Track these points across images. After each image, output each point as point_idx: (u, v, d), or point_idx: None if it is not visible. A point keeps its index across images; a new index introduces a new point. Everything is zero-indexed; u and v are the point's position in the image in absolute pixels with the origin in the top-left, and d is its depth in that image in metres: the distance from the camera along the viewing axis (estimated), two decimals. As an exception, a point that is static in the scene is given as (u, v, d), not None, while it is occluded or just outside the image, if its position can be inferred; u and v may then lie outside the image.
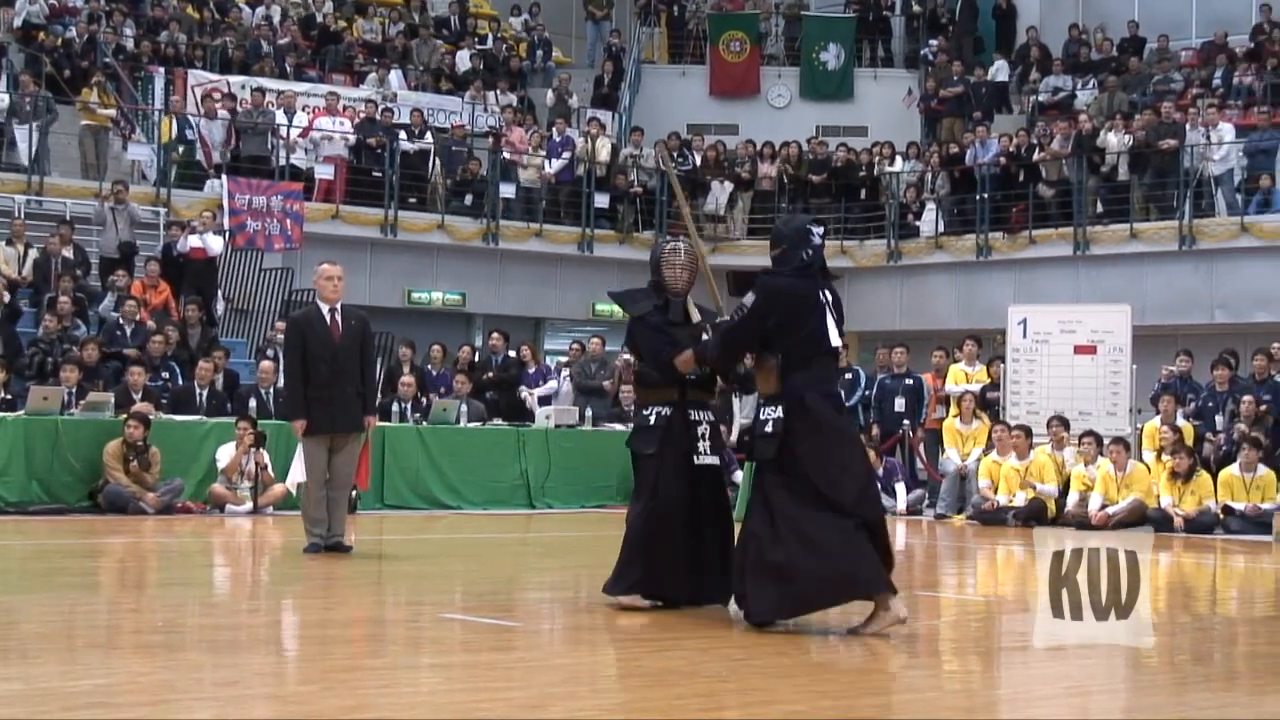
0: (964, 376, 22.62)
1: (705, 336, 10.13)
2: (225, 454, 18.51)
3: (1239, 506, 19.24)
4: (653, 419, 10.12)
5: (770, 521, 9.16)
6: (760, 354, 9.50)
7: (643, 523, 10.01)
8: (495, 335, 24.71)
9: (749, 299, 9.37)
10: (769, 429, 9.25)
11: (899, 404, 22.72)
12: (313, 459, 13.77)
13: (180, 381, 20.60)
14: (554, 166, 29.97)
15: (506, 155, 29.72)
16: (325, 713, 6.59)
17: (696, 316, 10.41)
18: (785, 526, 9.07)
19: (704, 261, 10.64)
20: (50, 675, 7.25)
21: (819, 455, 9.13)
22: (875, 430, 22.43)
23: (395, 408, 21.40)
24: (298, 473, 13.87)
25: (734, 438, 20.51)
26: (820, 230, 9.60)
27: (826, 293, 9.52)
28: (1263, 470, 19.34)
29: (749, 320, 9.39)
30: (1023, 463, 20.30)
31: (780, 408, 9.25)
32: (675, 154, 29.85)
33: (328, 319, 13.81)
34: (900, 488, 21.68)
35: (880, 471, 21.22)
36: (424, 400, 22.08)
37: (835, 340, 9.44)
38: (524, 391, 23.58)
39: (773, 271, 9.51)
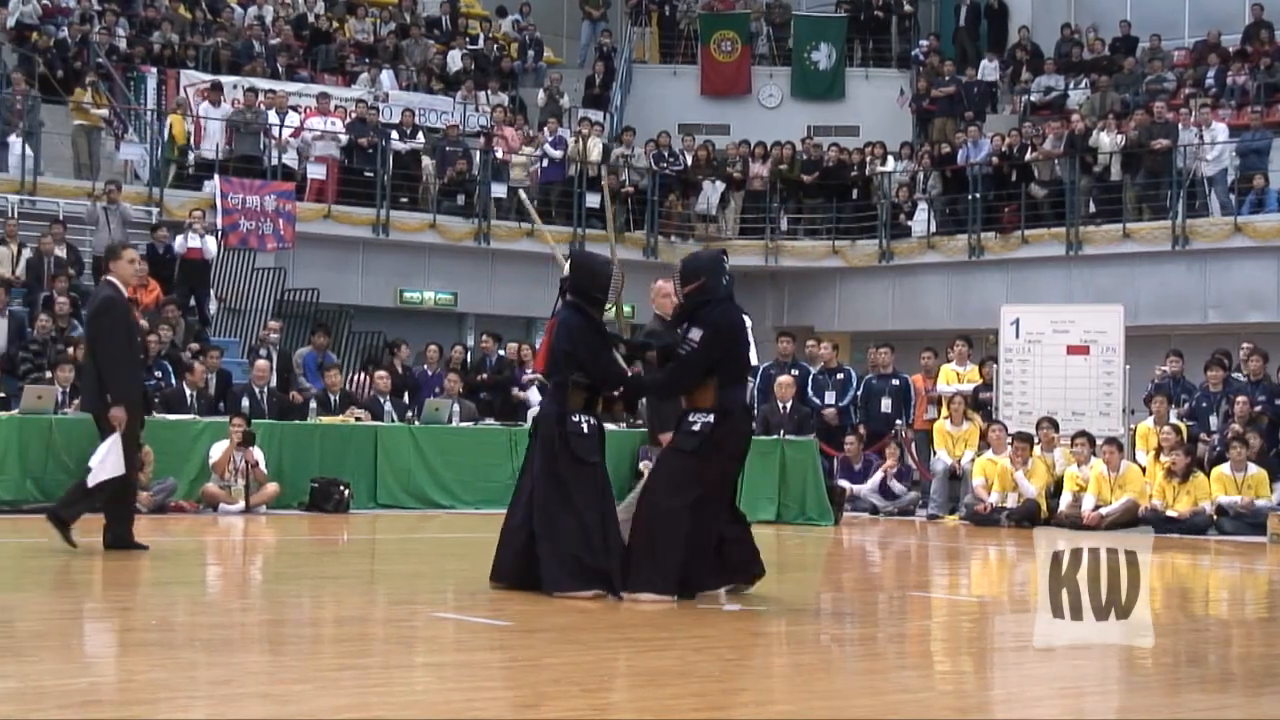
0: (955, 377, 22.63)
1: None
2: (217, 450, 18.51)
3: (1232, 500, 19.21)
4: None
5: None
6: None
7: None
8: (486, 336, 24.71)
9: (695, 334, 10.32)
10: (695, 428, 10.34)
11: (885, 404, 22.74)
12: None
13: (172, 381, 20.60)
14: (544, 165, 30.07)
15: (499, 154, 29.71)
16: (319, 712, 6.59)
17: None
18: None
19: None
20: (45, 674, 7.25)
21: (705, 462, 10.31)
22: (863, 430, 22.48)
23: (386, 406, 21.43)
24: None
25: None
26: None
27: (745, 316, 10.89)
28: (1254, 469, 19.36)
29: (701, 356, 10.35)
30: (1015, 465, 20.32)
31: (712, 416, 10.32)
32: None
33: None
34: (900, 486, 21.73)
35: (857, 467, 21.38)
36: (404, 398, 22.06)
37: (754, 361, 11.14)
38: (518, 391, 23.58)
39: (710, 304, 10.43)
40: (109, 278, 13.46)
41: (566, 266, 11.16)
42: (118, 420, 13.00)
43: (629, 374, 10.96)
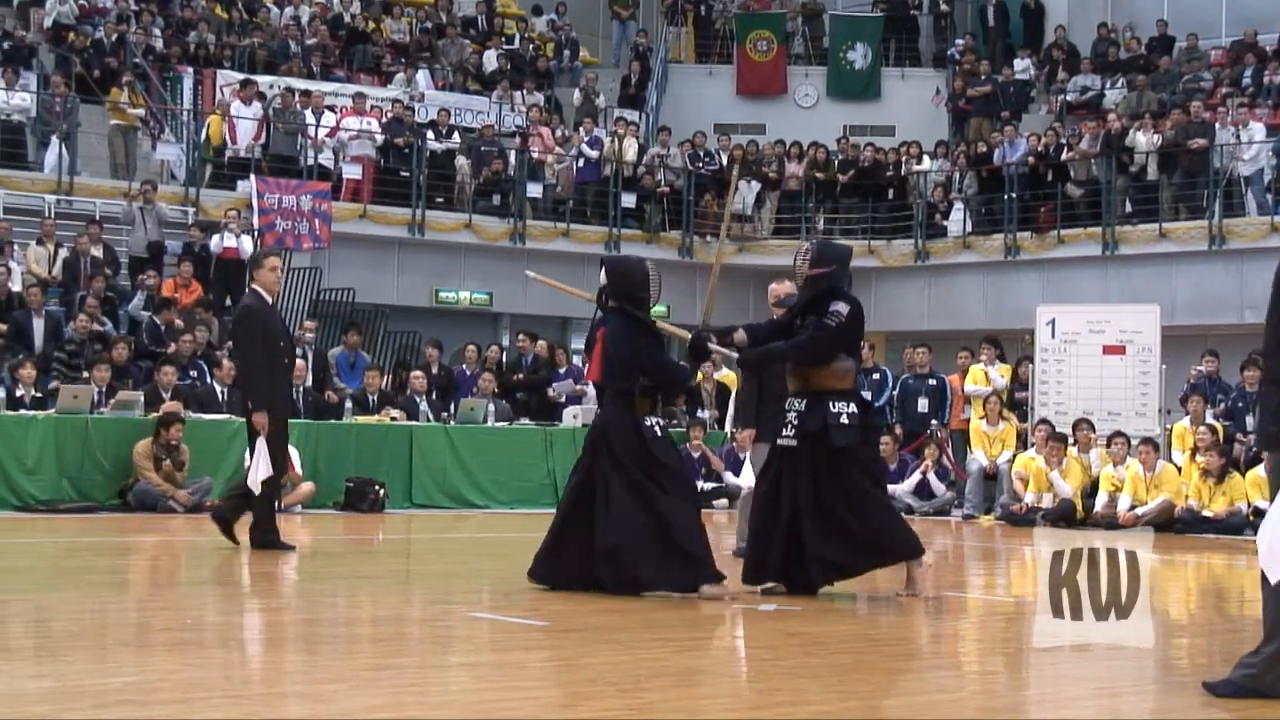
0: (984, 377, 22.56)
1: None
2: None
3: (1266, 506, 19.11)
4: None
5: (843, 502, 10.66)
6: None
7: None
8: (523, 336, 24.73)
9: (840, 307, 10.64)
10: (845, 420, 10.61)
11: (922, 404, 22.71)
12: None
13: (209, 381, 20.66)
14: (579, 165, 30.10)
15: (535, 153, 29.74)
16: (354, 711, 6.60)
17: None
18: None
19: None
20: (81, 673, 7.28)
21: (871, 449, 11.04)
22: (899, 430, 22.44)
23: (422, 406, 21.48)
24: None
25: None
26: None
27: None
28: (1292, 470, 19.22)
29: (846, 329, 10.73)
30: (1050, 465, 20.27)
31: (852, 404, 10.68)
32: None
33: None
34: (939, 486, 21.66)
35: (893, 467, 21.29)
36: (441, 398, 22.10)
37: None
38: (552, 392, 23.59)
39: (843, 292, 10.86)
40: (254, 286, 13.83)
41: (601, 275, 11.17)
42: (260, 425, 13.38)
43: (688, 371, 11.13)
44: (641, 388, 10.79)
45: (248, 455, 13.75)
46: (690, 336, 11.01)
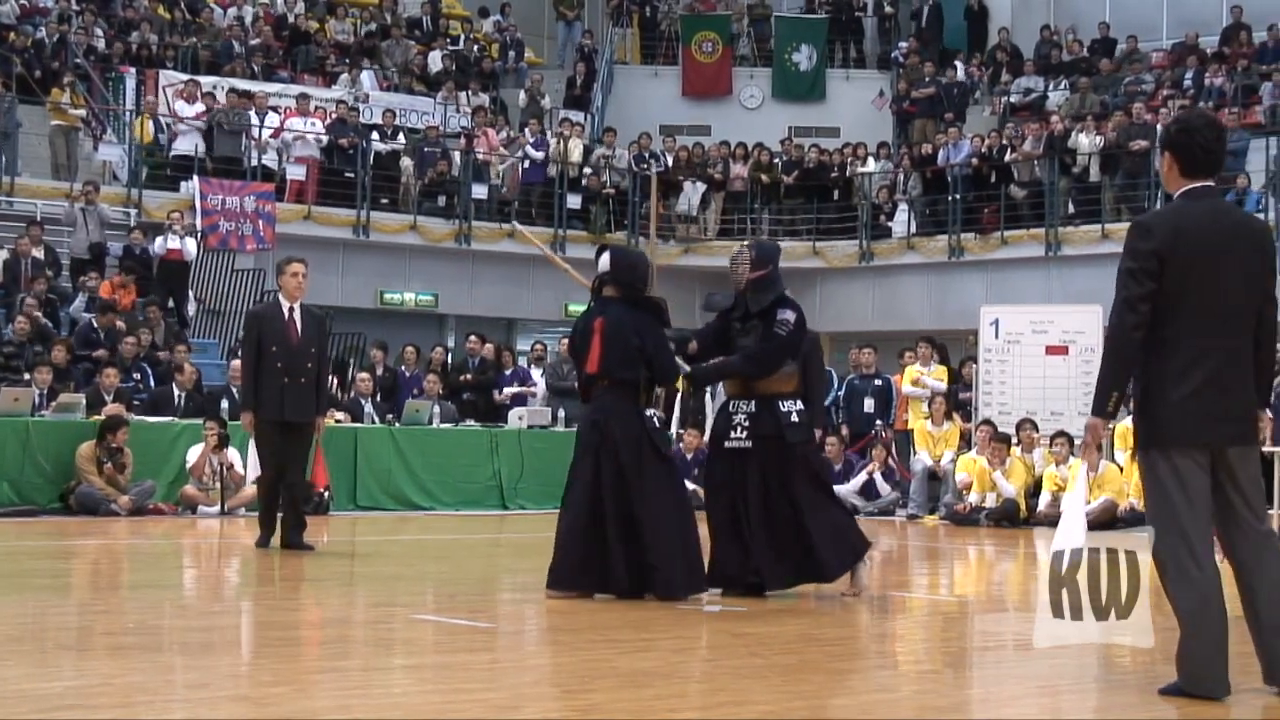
0: (919, 378, 22.64)
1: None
2: (194, 453, 18.50)
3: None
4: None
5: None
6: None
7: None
8: (472, 337, 24.68)
9: (788, 315, 10.77)
10: (796, 419, 10.72)
11: (868, 405, 22.78)
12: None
13: (152, 383, 20.55)
14: (525, 166, 30.12)
15: (480, 154, 29.69)
16: (298, 714, 6.57)
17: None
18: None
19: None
20: (21, 677, 7.22)
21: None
22: (845, 430, 22.50)
23: (367, 408, 21.43)
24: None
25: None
26: None
27: None
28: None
29: (797, 336, 10.83)
30: (993, 465, 20.37)
31: (799, 402, 10.80)
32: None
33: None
34: (885, 486, 21.71)
35: (838, 467, 21.32)
36: (379, 399, 22.05)
37: None
38: (505, 392, 23.58)
39: (789, 300, 11.00)
40: (277, 291, 14.40)
41: (605, 262, 10.79)
42: (244, 425, 13.94)
43: (684, 368, 10.95)
44: (644, 379, 10.61)
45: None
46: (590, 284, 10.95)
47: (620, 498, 10.34)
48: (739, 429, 10.73)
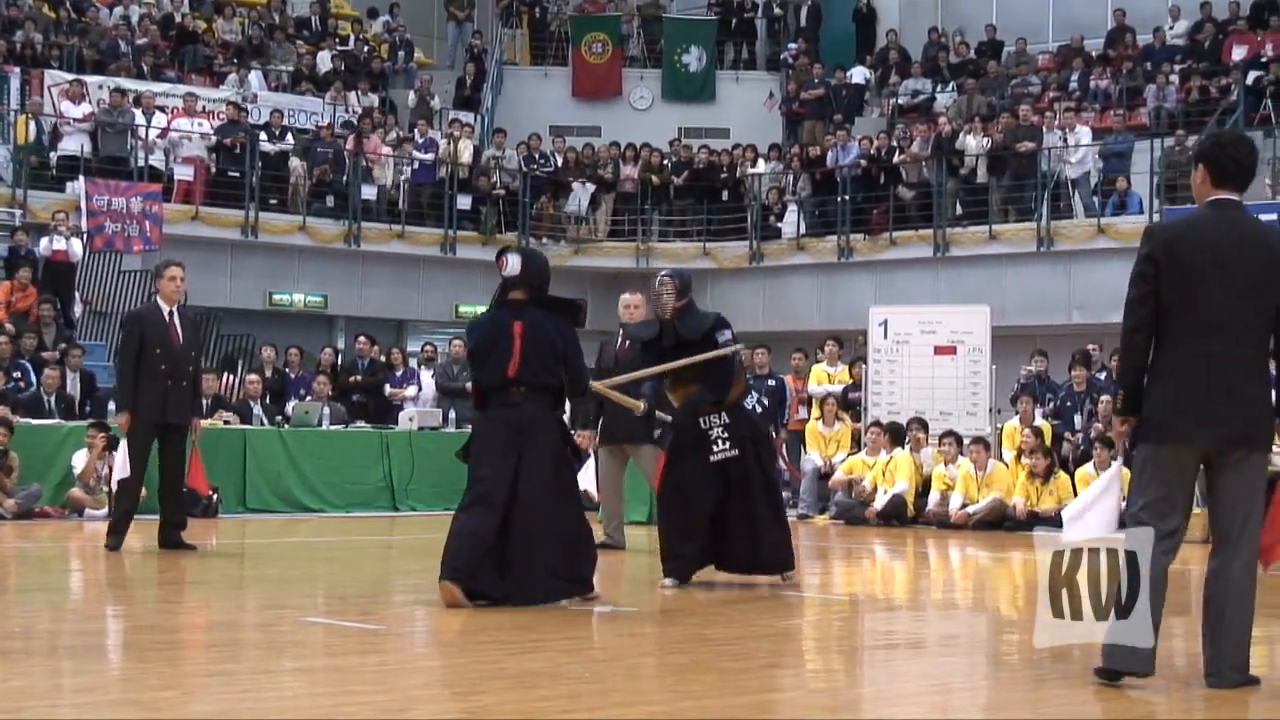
0: (826, 377, 22.80)
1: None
2: (80, 460, 18.30)
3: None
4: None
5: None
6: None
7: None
8: (362, 339, 24.55)
9: (728, 335, 11.83)
10: (758, 410, 12.58)
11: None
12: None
13: (34, 382, 20.32)
14: (414, 168, 30.01)
15: (365, 159, 29.53)
16: (186, 717, 6.54)
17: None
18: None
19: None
20: (-96, 684, 7.13)
21: None
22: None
23: (256, 410, 21.28)
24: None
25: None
26: None
27: None
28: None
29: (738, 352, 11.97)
30: (882, 461, 20.52)
31: (753, 394, 12.29)
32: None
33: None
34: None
35: None
36: (268, 401, 21.91)
37: None
38: (389, 391, 23.49)
39: (722, 319, 12.05)
40: (155, 295, 14.53)
41: (516, 264, 10.40)
42: (120, 425, 14.42)
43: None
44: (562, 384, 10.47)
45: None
46: (643, 407, 11.86)
47: (533, 508, 10.09)
48: (720, 441, 11.63)
